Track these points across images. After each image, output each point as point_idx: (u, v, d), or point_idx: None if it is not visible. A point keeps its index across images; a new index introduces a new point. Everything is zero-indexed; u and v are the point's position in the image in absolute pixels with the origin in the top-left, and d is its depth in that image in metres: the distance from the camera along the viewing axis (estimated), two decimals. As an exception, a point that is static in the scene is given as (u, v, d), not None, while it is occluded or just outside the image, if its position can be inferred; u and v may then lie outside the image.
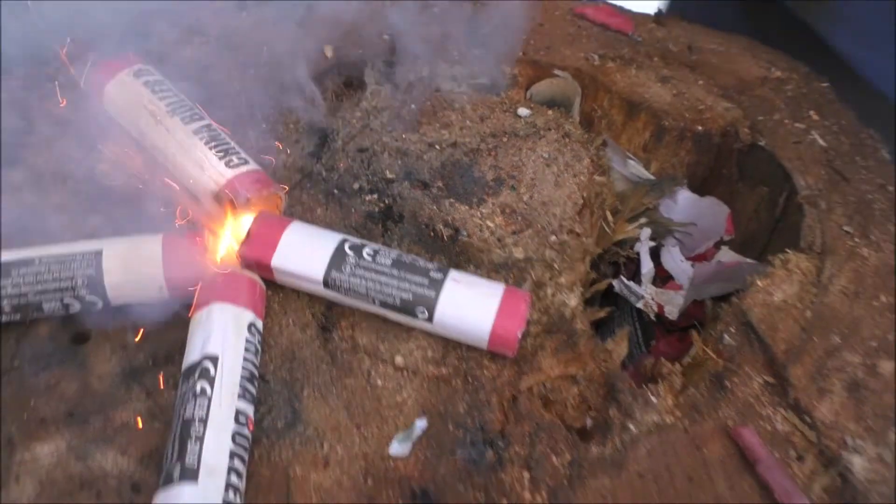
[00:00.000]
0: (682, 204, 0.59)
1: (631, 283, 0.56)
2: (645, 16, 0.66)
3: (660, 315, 0.56)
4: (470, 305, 0.40)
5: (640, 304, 0.56)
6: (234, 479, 0.33)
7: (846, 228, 0.49)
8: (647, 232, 0.57)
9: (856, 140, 0.56)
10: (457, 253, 0.47)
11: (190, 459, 0.33)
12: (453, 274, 0.41)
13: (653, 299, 0.56)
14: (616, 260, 0.58)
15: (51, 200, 0.47)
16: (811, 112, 0.57)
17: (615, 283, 0.56)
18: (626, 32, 0.64)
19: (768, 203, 0.55)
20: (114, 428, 0.38)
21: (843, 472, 0.38)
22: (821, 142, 0.55)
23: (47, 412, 0.38)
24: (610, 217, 0.52)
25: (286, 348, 0.42)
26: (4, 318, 0.39)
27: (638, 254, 0.57)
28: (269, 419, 0.39)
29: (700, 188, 0.59)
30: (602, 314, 0.53)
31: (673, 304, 0.54)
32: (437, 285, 0.40)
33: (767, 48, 0.64)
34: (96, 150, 0.49)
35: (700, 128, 0.56)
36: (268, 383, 0.40)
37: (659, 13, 0.65)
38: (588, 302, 0.52)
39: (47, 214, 0.46)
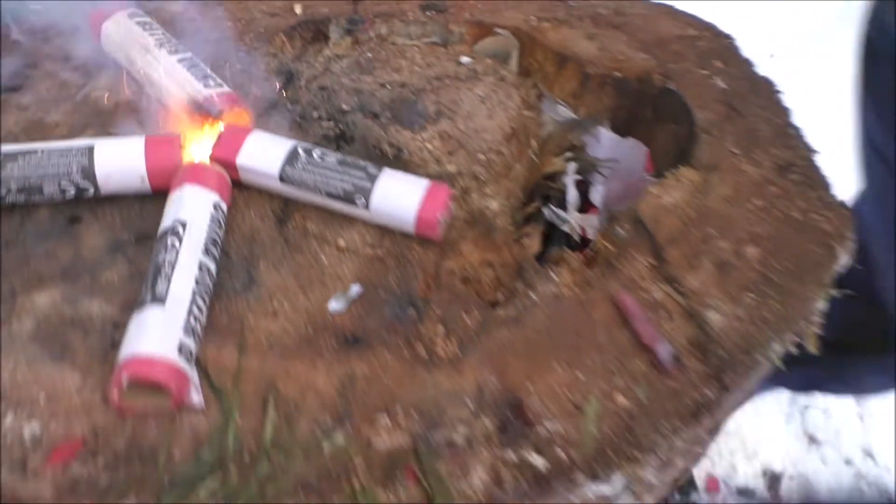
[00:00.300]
0: (606, 144, 0.67)
1: (558, 210, 0.64)
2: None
3: (584, 238, 0.64)
4: (400, 194, 0.48)
5: (566, 228, 0.64)
6: (195, 310, 0.41)
7: (733, 150, 0.57)
8: (572, 166, 0.65)
9: (753, 84, 0.64)
10: (398, 168, 0.55)
11: (160, 290, 0.40)
12: (387, 171, 0.49)
13: (577, 223, 0.64)
14: (547, 193, 0.66)
15: (51, 118, 0.55)
16: (716, 62, 0.66)
17: (545, 210, 0.64)
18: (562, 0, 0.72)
19: (675, 138, 0.63)
20: (100, 284, 0.46)
21: (703, 326, 0.45)
22: (722, 85, 0.63)
23: (45, 272, 0.46)
24: (535, 144, 0.60)
25: (247, 233, 0.50)
26: (11, 199, 0.47)
27: (566, 185, 0.65)
28: (230, 282, 0.46)
29: (624, 131, 0.67)
30: (529, 229, 0.61)
31: (592, 226, 0.62)
32: (373, 178, 0.48)
33: (687, 14, 0.73)
34: (93, 79, 0.57)
35: (619, 74, 0.64)
36: (230, 257, 0.48)
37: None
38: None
39: (48, 128, 0.54)
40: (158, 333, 0.39)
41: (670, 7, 0.73)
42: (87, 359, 0.42)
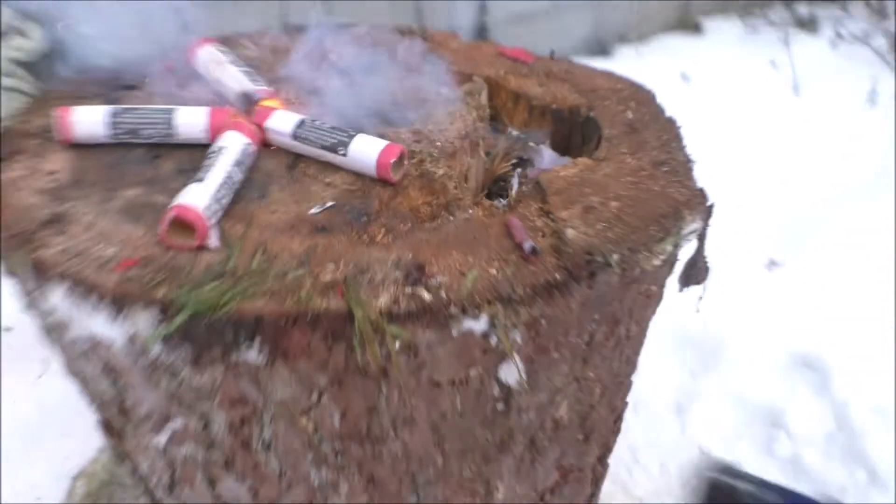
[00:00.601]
0: (547, 160, 0.89)
1: (504, 201, 0.85)
2: (544, 56, 1.00)
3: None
4: (367, 147, 0.71)
5: (509, 214, 0.85)
6: (221, 192, 0.64)
7: (623, 150, 0.78)
8: (518, 171, 0.87)
9: (657, 118, 0.86)
10: (380, 148, 0.78)
11: (200, 175, 0.64)
12: (361, 134, 0.73)
13: (517, 210, 0.85)
14: (501, 193, 0.88)
15: (156, 102, 0.82)
16: (632, 103, 0.88)
17: (496, 202, 0.86)
18: (527, 62, 0.97)
19: (592, 152, 0.84)
20: (167, 189, 0.70)
21: (561, 236, 0.65)
22: (630, 116, 0.85)
23: (134, 180, 0.71)
24: (483, 143, 0.83)
25: (266, 171, 0.73)
26: (121, 138, 0.73)
27: (512, 184, 0.87)
28: (249, 194, 0.70)
29: (562, 153, 0.90)
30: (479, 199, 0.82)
31: (526, 209, 0.83)
32: (351, 137, 0.72)
33: (624, 77, 0.96)
34: (188, 84, 0.85)
35: (555, 106, 0.88)
36: (252, 181, 0.71)
37: (552, 53, 0.99)
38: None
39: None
40: (195, 196, 0.62)
41: (611, 71, 0.97)
42: (150, 223, 0.65)
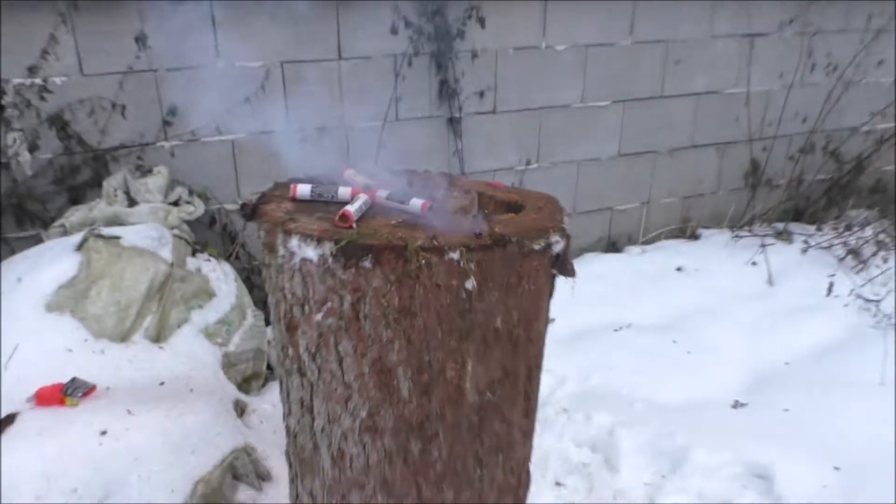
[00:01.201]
0: (503, 226, 1.86)
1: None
2: (509, 186, 2.00)
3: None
4: (416, 202, 1.71)
5: (482, 246, 1.81)
6: (359, 209, 1.64)
7: (530, 213, 1.75)
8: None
9: (554, 206, 1.82)
10: (423, 210, 1.78)
11: (351, 204, 1.65)
12: (415, 198, 1.73)
13: (486, 244, 1.81)
14: (480, 240, 1.84)
15: (330, 185, 1.85)
16: (543, 201, 1.86)
17: (476, 241, 1.82)
18: (499, 188, 1.98)
19: (521, 218, 1.82)
20: (333, 214, 1.69)
21: (493, 231, 1.61)
22: (541, 205, 1.83)
23: (321, 211, 1.71)
24: (470, 216, 1.81)
25: (373, 209, 1.73)
26: (316, 198, 1.75)
27: (485, 235, 1.83)
28: (366, 216, 1.69)
29: (511, 224, 1.87)
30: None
31: (489, 242, 1.79)
32: (410, 198, 1.72)
33: (547, 194, 1.95)
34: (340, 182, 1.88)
35: (507, 201, 1.87)
36: (367, 212, 1.71)
37: (513, 184, 1.99)
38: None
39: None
40: (349, 208, 1.62)
41: (540, 191, 1.97)
42: (329, 221, 1.64)
